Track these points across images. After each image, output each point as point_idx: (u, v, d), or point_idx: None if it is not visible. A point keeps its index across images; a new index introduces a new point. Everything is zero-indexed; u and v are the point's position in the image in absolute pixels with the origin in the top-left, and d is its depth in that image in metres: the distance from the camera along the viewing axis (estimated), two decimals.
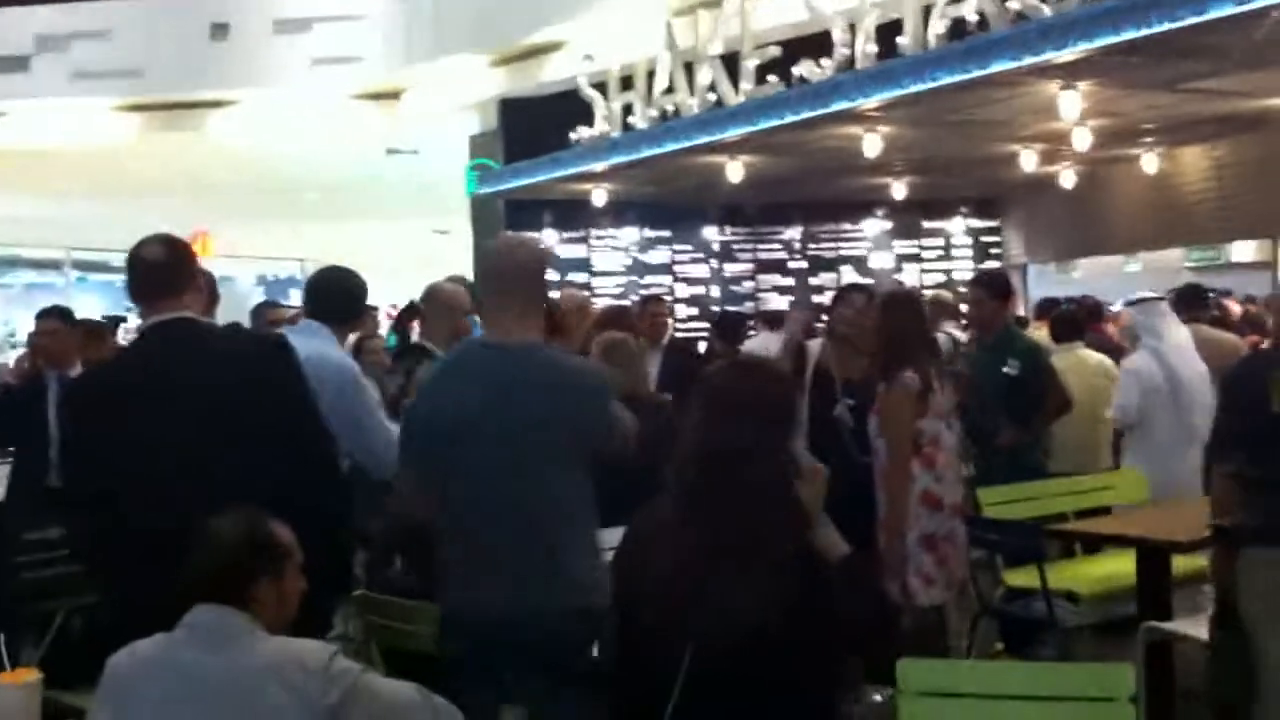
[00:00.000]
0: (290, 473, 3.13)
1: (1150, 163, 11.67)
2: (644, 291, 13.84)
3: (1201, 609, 6.01)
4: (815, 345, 5.54)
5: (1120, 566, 5.78)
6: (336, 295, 4.46)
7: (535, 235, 12.72)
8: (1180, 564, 5.58)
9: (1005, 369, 6.20)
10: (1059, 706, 3.18)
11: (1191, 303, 7.86)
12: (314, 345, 3.98)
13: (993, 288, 6.85)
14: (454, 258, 16.01)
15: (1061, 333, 7.90)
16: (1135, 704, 3.05)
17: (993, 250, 14.99)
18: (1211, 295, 9.41)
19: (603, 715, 3.03)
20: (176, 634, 2.56)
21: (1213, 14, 6.25)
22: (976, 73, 7.53)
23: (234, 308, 8.19)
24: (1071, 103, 8.27)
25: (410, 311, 6.62)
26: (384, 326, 15.29)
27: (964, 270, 14.85)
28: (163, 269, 3.44)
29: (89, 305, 19.74)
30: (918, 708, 3.15)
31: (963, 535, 5.13)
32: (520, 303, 3.29)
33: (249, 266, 28.10)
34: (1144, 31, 6.54)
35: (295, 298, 27.23)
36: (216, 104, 15.44)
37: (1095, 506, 6.53)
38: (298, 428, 3.27)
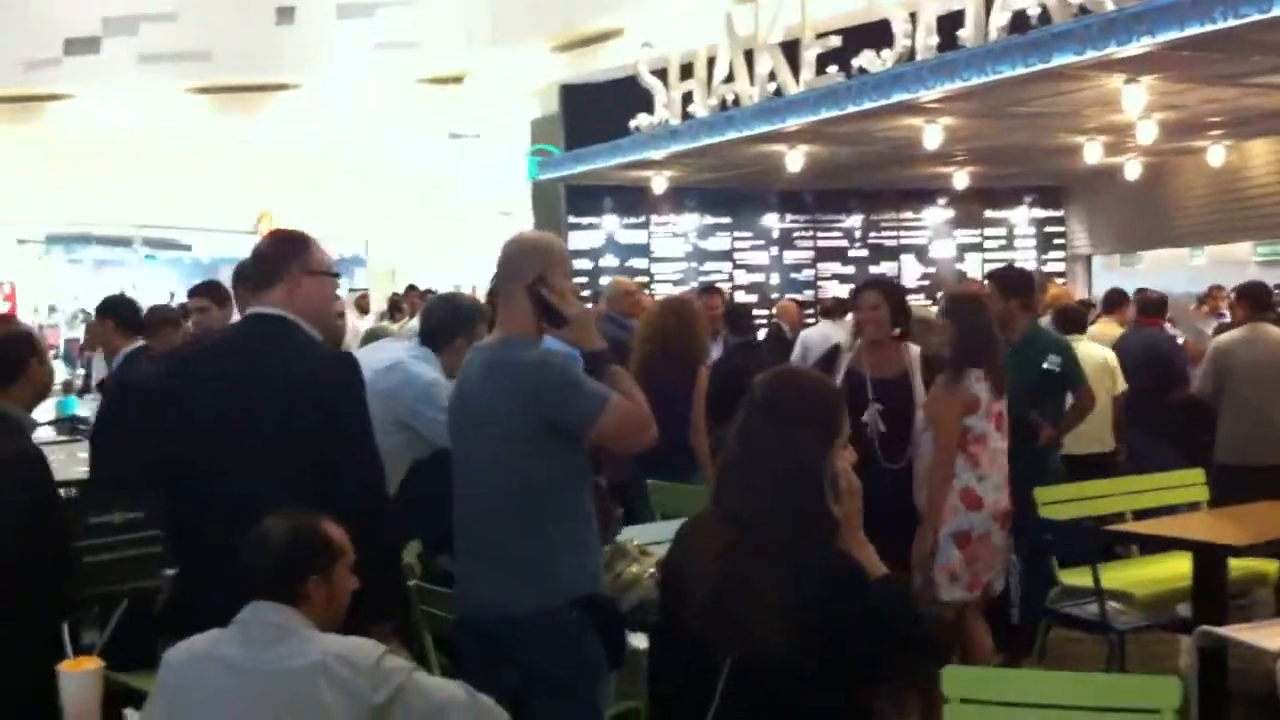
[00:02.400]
0: (328, 485, 3.20)
1: (1216, 155, 11.50)
2: (703, 279, 13.88)
3: (1257, 614, 5.99)
4: (849, 347, 5.51)
5: (1176, 569, 5.73)
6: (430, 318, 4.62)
7: (536, 231, 12.73)
8: (1236, 567, 5.53)
9: (1046, 365, 6.10)
10: (1105, 717, 3.17)
11: (1255, 300, 7.75)
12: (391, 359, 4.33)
13: (1004, 285, 6.35)
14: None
15: (1066, 325, 7.91)
16: (1182, 716, 3.04)
17: (1056, 241, 14.85)
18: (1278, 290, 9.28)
19: None
20: (229, 630, 2.62)
21: (1278, 10, 6.16)
22: (1039, 66, 7.47)
23: None
24: (1136, 96, 8.17)
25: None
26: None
27: (1026, 260, 14.74)
28: (261, 260, 3.49)
29: (157, 281, 20.06)
30: (962, 714, 3.15)
31: (999, 540, 5.09)
32: (504, 298, 3.37)
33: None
34: (1209, 27, 6.46)
35: (360, 277, 27.55)
36: (281, 87, 15.62)
37: (1153, 506, 6.47)
38: (343, 443, 3.32)
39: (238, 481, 3.26)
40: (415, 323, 11.22)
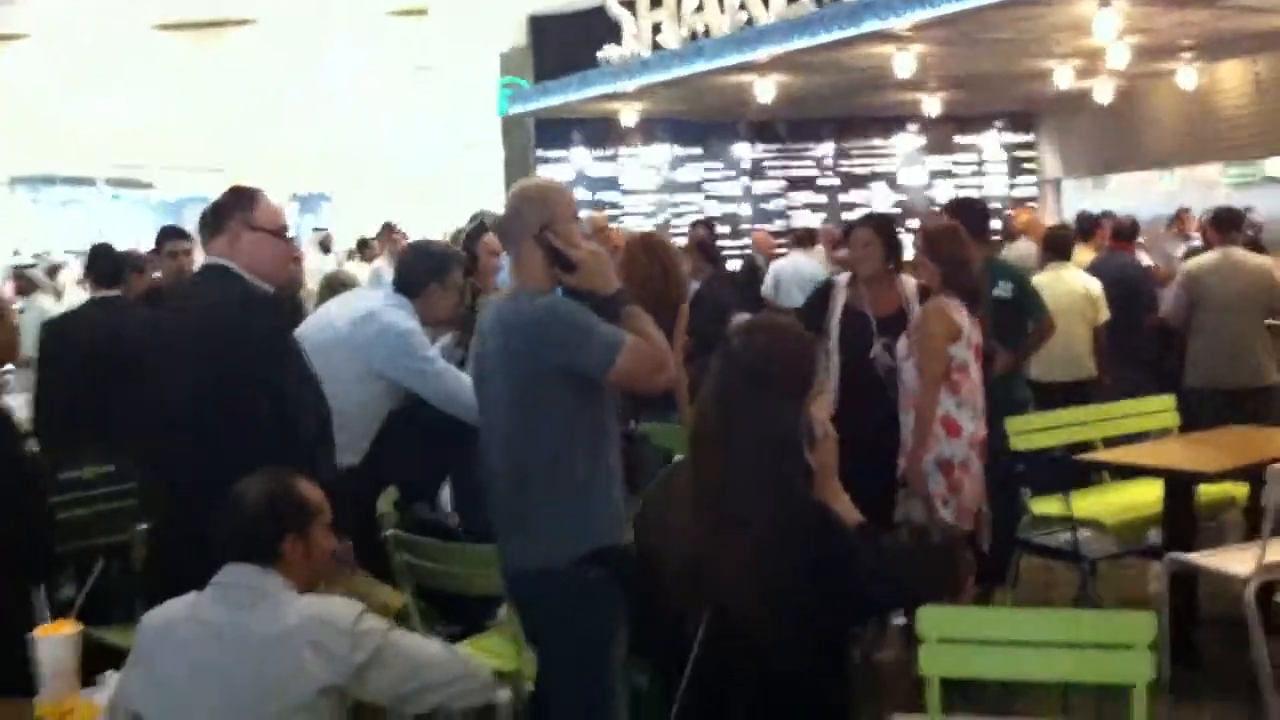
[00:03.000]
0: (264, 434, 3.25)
1: (1188, 78, 11.46)
2: (673, 210, 13.82)
3: (1227, 537, 6.06)
4: (842, 282, 5.50)
5: (1147, 495, 5.78)
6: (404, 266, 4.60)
7: (539, 177, 12.63)
8: (1206, 492, 5.59)
9: (997, 292, 6.09)
10: (1080, 653, 3.21)
11: (1226, 225, 7.77)
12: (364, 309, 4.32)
13: (962, 216, 6.08)
14: (489, 172, 15.98)
15: (1052, 251, 7.95)
16: (1155, 650, 3.08)
17: (1026, 165, 14.82)
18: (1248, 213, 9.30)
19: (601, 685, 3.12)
20: (206, 593, 2.62)
21: None
22: None
23: None
24: (1107, 20, 8.13)
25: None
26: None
27: (997, 185, 14.73)
28: (211, 211, 3.60)
29: (123, 221, 19.88)
30: (938, 654, 3.19)
31: (978, 470, 5.13)
32: (513, 251, 3.38)
33: (282, 181, 28.06)
34: None
35: (326, 211, 27.32)
36: (245, 22, 15.36)
37: (1126, 433, 6.52)
38: (270, 392, 3.35)
39: (172, 431, 3.35)
40: (380, 264, 11.14)
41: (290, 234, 3.71)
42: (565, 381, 3.17)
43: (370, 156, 26.21)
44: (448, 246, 5.12)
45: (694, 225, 10.18)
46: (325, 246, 14.07)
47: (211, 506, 2.72)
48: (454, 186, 25.86)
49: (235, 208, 3.50)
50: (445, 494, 5.20)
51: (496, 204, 14.62)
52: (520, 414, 3.22)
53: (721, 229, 13.46)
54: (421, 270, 4.48)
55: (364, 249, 14.00)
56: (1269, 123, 11.31)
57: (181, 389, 3.33)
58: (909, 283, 5.42)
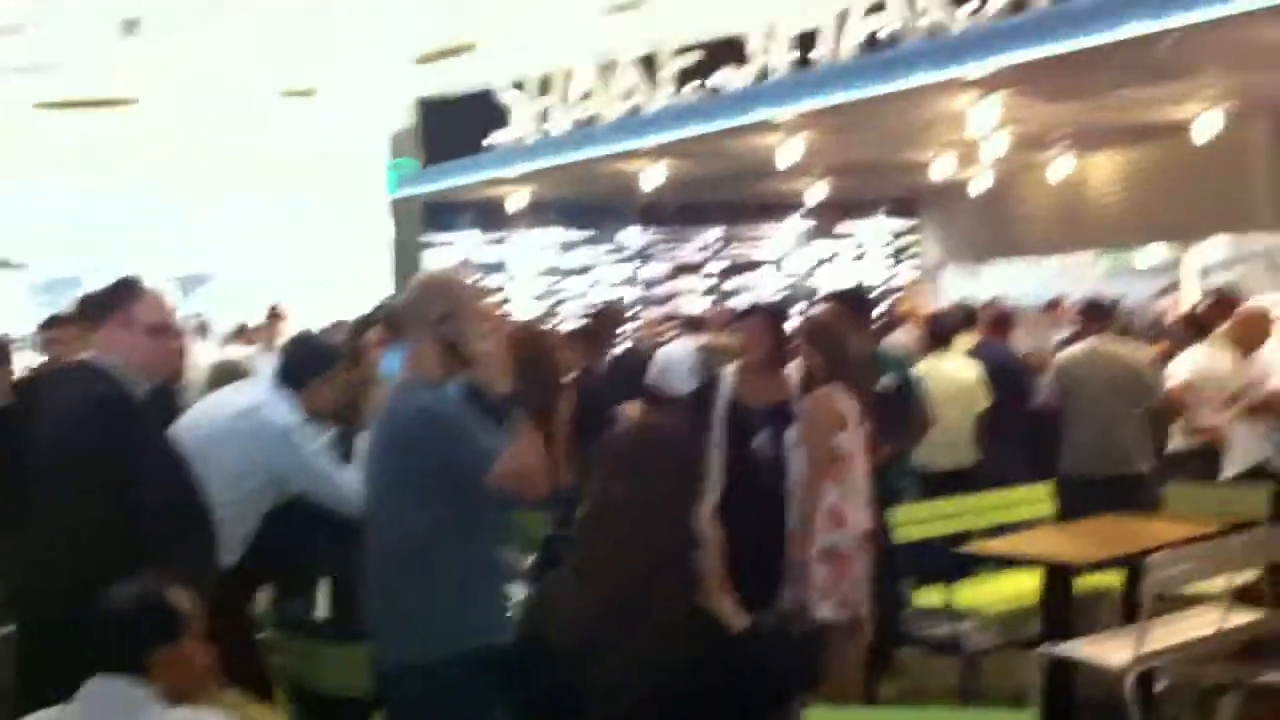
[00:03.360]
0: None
1: (1062, 168, 11.84)
2: (561, 295, 13.83)
3: (1104, 624, 6.14)
4: (728, 372, 5.52)
5: (1027, 584, 5.85)
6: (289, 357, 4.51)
7: (442, 270, 12.61)
8: (1083, 583, 5.66)
9: (883, 381, 6.17)
10: None
11: (1097, 315, 7.98)
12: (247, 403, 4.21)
13: (845, 306, 6.29)
14: (376, 255, 15.86)
15: (934, 340, 8.13)
16: None
17: (910, 251, 15.14)
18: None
19: None
20: (71, 706, 2.51)
21: (1124, 31, 6.34)
22: (893, 85, 7.59)
23: None
24: (984, 113, 8.36)
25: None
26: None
27: (880, 272, 15.01)
28: (90, 301, 3.49)
29: None
30: None
31: (864, 562, 5.14)
32: (410, 340, 3.36)
33: (161, 261, 27.60)
34: (1053, 47, 6.63)
35: (203, 294, 26.85)
36: (127, 101, 15.12)
37: (1006, 522, 6.61)
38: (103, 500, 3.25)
39: (25, 535, 3.24)
40: (257, 350, 10.86)
41: (172, 326, 3.57)
42: (444, 477, 3.13)
43: (255, 237, 25.90)
44: (331, 340, 5.06)
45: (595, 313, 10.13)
46: (203, 331, 13.75)
47: (72, 614, 2.61)
48: (340, 268, 25.63)
49: (115, 302, 3.38)
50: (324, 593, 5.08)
51: (384, 288, 14.50)
52: (398, 505, 3.18)
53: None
54: (306, 363, 4.40)
55: (241, 333, 13.71)
56: (1138, 214, 11.71)
57: (33, 494, 3.21)
58: (795, 373, 5.45)
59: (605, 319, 9.90)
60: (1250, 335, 7.29)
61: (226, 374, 5.93)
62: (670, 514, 2.60)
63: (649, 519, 2.59)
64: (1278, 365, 7.07)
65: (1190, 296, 10.68)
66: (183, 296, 26.91)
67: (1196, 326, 8.07)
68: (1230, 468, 7.15)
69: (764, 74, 8.56)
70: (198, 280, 27.56)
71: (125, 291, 3.41)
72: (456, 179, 11.82)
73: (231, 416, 4.17)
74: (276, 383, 4.39)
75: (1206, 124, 9.27)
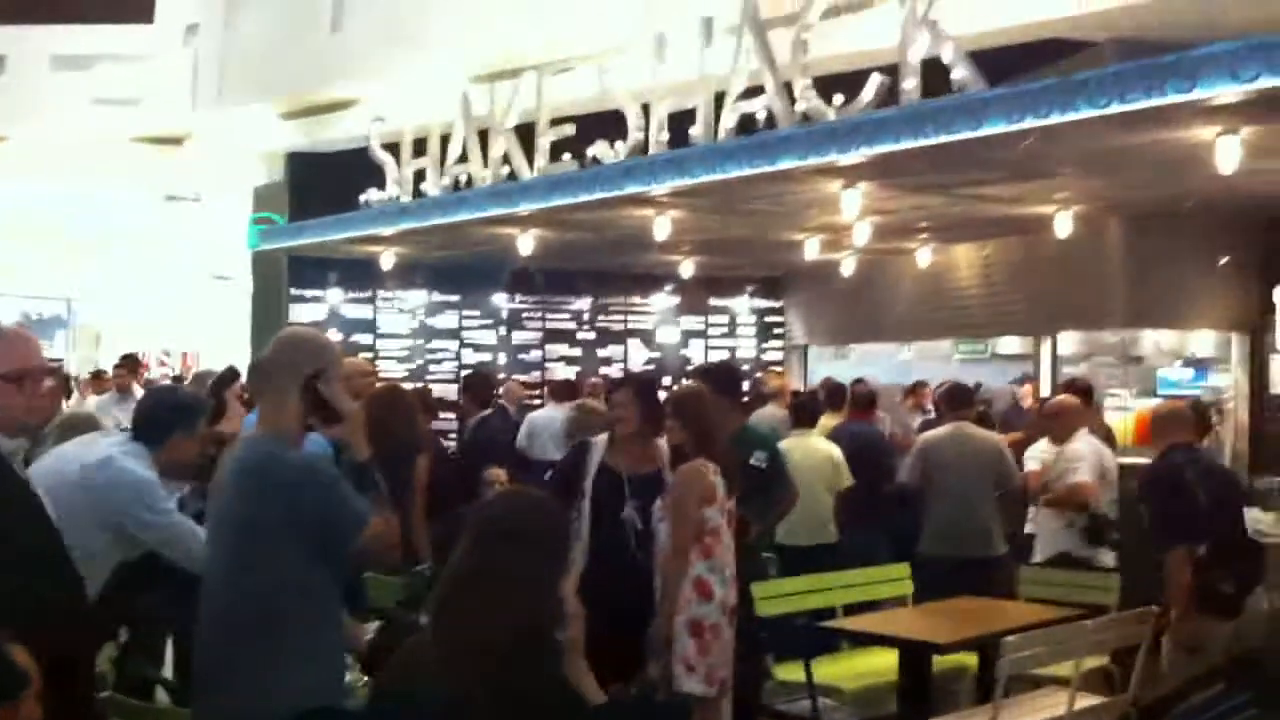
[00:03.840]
0: None
1: (924, 257, 12.16)
2: (430, 357, 13.69)
3: (960, 703, 6.23)
4: (599, 441, 5.50)
5: (886, 661, 5.92)
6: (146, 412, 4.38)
7: (304, 327, 12.42)
8: (940, 662, 5.75)
9: (753, 461, 6.23)
10: None
11: (957, 401, 8.18)
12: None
13: (711, 384, 6.18)
14: (236, 306, 15.53)
15: (799, 418, 8.29)
16: None
17: (775, 330, 15.37)
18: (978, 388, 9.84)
19: None
20: None
21: (985, 130, 6.55)
22: (765, 168, 7.71)
23: None
24: (851, 200, 8.54)
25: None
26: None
27: (747, 348, 15.20)
28: None
29: None
30: None
31: (729, 635, 5.15)
32: (273, 393, 3.32)
33: (13, 304, 26.72)
34: (921, 142, 6.82)
35: (60, 339, 26.04)
36: None
37: (865, 600, 6.69)
38: None
39: None
40: (108, 399, 10.54)
41: (35, 371, 3.24)
42: (296, 536, 3.07)
43: (114, 283, 25.22)
44: (194, 394, 4.93)
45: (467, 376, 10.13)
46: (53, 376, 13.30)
47: None
48: (201, 318, 25.06)
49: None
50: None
51: (244, 339, 14.16)
52: (238, 560, 3.13)
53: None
54: (165, 418, 4.28)
55: (97, 378, 13.32)
56: (996, 304, 12.05)
57: None
58: (664, 446, 5.46)
59: (477, 382, 9.85)
60: (1059, 428, 7.55)
61: (79, 425, 5.72)
62: (534, 585, 2.56)
63: (512, 588, 2.55)
64: (1084, 458, 7.32)
65: (1045, 387, 11.01)
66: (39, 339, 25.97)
67: (1050, 416, 8.31)
68: (1037, 555, 7.38)
69: (640, 149, 8.63)
70: (55, 323, 26.69)
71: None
72: (323, 235, 11.65)
73: (83, 469, 4.02)
74: (132, 436, 4.25)
75: (1063, 222, 9.61)
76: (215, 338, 21.78)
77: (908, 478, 8.12)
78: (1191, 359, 11.56)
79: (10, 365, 3.13)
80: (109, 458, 4.06)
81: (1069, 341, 11.53)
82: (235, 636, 3.11)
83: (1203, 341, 11.51)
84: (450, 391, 13.56)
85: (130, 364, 12.42)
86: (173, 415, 4.28)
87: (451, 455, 9.46)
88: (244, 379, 5.80)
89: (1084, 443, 7.45)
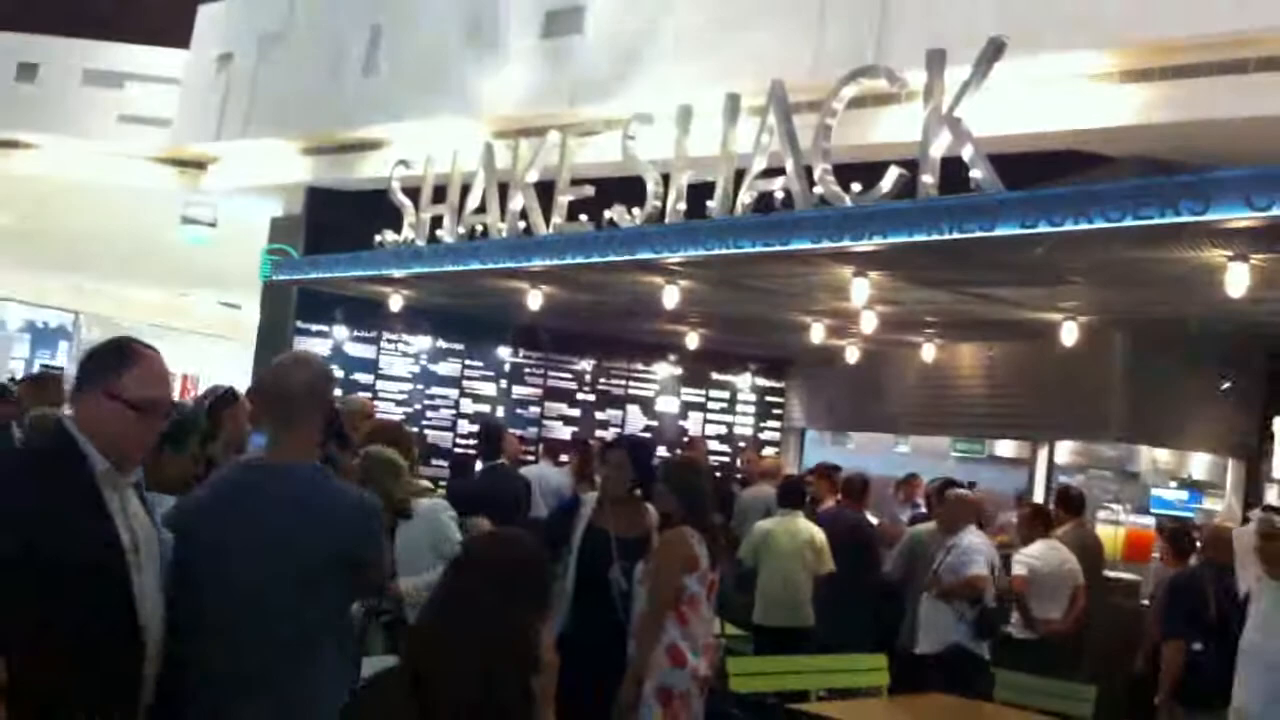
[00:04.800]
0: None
1: (928, 352, 12.18)
2: (429, 404, 13.68)
3: None
4: (590, 500, 5.49)
5: None
6: None
7: (314, 352, 12.44)
8: None
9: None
10: None
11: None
12: None
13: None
14: (244, 333, 15.57)
15: (787, 499, 8.34)
16: None
17: (775, 410, 15.37)
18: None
19: None
20: None
21: (998, 231, 6.59)
22: (777, 247, 7.75)
23: None
24: (861, 288, 8.57)
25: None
26: None
27: (746, 425, 15.20)
28: (81, 363, 3.15)
29: None
30: None
31: (698, 707, 5.11)
32: (300, 420, 3.26)
33: (19, 311, 26.82)
34: (934, 236, 6.85)
35: (63, 349, 26.10)
36: (12, 144, 14.83)
37: (838, 687, 6.64)
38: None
39: None
40: None
41: (159, 405, 3.10)
42: (343, 569, 3.03)
43: (124, 299, 25.32)
44: (191, 410, 4.90)
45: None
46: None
47: None
48: (205, 343, 25.11)
49: (105, 368, 3.00)
50: None
51: (246, 366, 14.16)
52: (279, 585, 3.01)
53: (471, 427, 13.39)
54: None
55: None
56: (997, 405, 12.06)
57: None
58: (654, 511, 5.46)
59: (495, 432, 9.82)
60: (949, 519, 7.61)
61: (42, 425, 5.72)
62: (512, 624, 2.55)
63: (501, 631, 2.53)
64: (981, 552, 7.33)
65: (1039, 494, 10.98)
66: (34, 349, 26.09)
67: (1043, 523, 8.30)
68: (923, 645, 7.37)
69: (656, 216, 8.68)
70: (59, 334, 26.72)
71: (120, 358, 3.05)
72: (335, 271, 11.69)
73: None
74: None
75: (1069, 330, 9.64)
76: (218, 361, 21.85)
77: (892, 569, 8.09)
78: (1187, 480, 11.55)
79: (142, 393, 3.01)
80: None
81: (1066, 450, 11.52)
82: (269, 659, 3.00)
83: (1199, 463, 11.49)
84: (445, 439, 13.54)
85: None
86: (165, 431, 4.26)
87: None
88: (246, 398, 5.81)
89: (977, 536, 7.49)
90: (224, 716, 3.03)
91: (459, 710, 2.47)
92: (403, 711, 2.52)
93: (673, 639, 5.03)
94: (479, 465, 9.98)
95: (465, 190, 10.41)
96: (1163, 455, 11.47)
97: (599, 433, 13.87)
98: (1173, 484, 11.49)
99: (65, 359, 23.12)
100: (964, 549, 7.35)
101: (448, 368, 13.93)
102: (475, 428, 13.24)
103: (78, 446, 2.90)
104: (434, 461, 12.98)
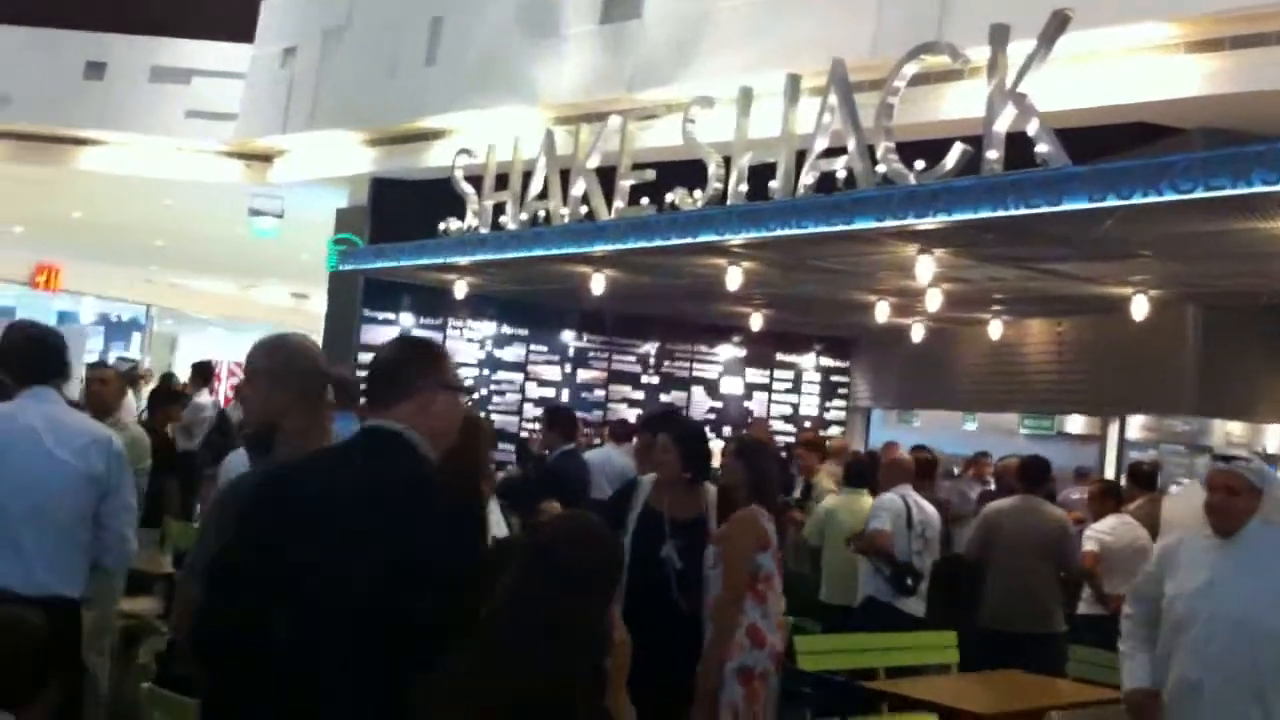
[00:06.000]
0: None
1: (995, 329, 12.09)
2: (495, 388, 13.79)
3: None
4: (647, 481, 5.52)
5: None
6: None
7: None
8: None
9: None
10: None
11: (1032, 476, 8.11)
12: None
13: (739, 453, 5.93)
14: (312, 323, 15.77)
15: (851, 478, 8.48)
16: None
17: (840, 390, 15.33)
18: None
19: None
20: None
21: (1066, 206, 6.54)
22: (840, 227, 7.73)
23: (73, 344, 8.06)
24: (926, 266, 8.53)
25: None
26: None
27: (811, 405, 15.18)
28: (390, 369, 2.99)
29: None
30: None
31: (775, 684, 5.14)
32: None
33: (93, 305, 27.33)
34: (1000, 213, 6.81)
35: (136, 341, 26.57)
36: (82, 141, 15.11)
37: (907, 665, 6.63)
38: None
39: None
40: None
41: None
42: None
43: (192, 291, 25.71)
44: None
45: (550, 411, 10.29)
46: (132, 380, 13.46)
47: None
48: (279, 328, 25.34)
49: (429, 367, 2.94)
50: None
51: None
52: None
53: (535, 410, 13.47)
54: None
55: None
56: (1066, 381, 11.95)
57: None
58: (710, 491, 5.48)
59: (565, 417, 9.88)
60: (883, 480, 7.85)
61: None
62: (588, 608, 2.58)
63: (567, 609, 2.55)
64: (885, 509, 7.45)
65: (1109, 470, 10.88)
66: (108, 341, 26.53)
67: (1113, 498, 8.23)
68: (837, 598, 7.88)
69: (718, 199, 8.69)
70: (132, 326, 27.16)
71: (436, 354, 3.04)
72: (400, 260, 11.82)
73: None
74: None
75: (1140, 305, 9.53)
76: None
77: (968, 548, 8.07)
78: (1261, 454, 11.38)
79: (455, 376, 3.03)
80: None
81: (1137, 426, 11.40)
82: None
83: (1274, 436, 11.33)
84: (511, 423, 13.64)
85: (203, 372, 12.59)
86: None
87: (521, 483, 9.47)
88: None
89: (894, 494, 7.57)
90: None
91: (531, 693, 2.49)
92: (475, 695, 2.54)
93: (752, 619, 5.05)
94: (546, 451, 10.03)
95: (527, 177, 10.46)
96: (1236, 429, 11.32)
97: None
98: None
99: (139, 351, 23.52)
100: (877, 505, 7.47)
101: (513, 353, 14.04)
102: (539, 411, 13.36)
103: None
104: (500, 446, 13.08)
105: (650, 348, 14.63)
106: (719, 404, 14.78)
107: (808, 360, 15.22)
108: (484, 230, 10.93)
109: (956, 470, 11.73)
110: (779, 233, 8.14)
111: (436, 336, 13.60)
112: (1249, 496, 4.23)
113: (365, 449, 2.86)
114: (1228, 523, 4.26)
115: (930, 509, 7.78)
